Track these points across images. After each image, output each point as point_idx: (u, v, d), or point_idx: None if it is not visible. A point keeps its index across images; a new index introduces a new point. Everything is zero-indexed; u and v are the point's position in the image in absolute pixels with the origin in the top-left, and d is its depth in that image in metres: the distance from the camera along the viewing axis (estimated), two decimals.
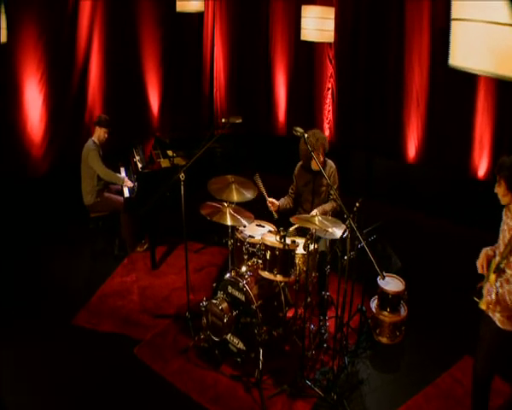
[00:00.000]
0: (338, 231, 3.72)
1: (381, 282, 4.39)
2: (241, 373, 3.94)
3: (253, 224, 4.38)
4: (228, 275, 4.00)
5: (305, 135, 3.68)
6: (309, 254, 3.68)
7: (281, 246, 3.72)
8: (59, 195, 6.14)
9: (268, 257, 3.79)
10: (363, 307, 4.43)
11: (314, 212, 4.19)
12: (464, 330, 4.40)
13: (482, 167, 6.50)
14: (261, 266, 3.86)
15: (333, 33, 5.61)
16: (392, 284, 4.46)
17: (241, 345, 4.00)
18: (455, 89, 6.30)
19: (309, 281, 3.94)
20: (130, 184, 5.29)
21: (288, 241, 3.75)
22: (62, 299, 4.88)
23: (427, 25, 6.43)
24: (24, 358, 4.11)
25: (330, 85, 7.68)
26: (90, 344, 4.29)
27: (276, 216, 4.48)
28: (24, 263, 5.45)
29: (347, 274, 3.65)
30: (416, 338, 4.44)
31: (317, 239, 4.00)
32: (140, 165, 5.28)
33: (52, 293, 4.97)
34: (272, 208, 4.44)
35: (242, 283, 3.86)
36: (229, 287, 3.96)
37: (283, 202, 4.59)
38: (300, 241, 3.95)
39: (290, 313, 4.29)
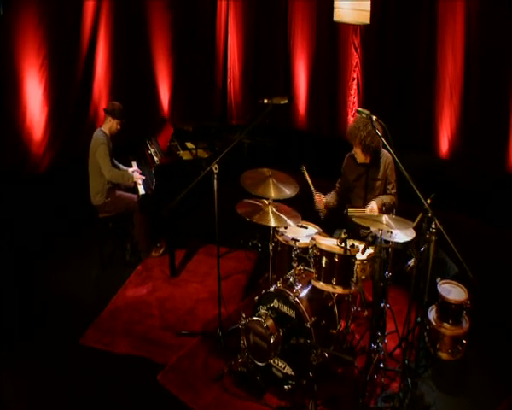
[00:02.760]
0: (401, 234, 3.11)
1: (442, 290, 3.87)
2: (290, 404, 3.30)
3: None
4: (274, 287, 3.31)
5: (374, 117, 3.03)
6: (380, 260, 2.99)
7: (341, 251, 3.05)
8: (62, 193, 5.52)
9: (324, 265, 3.14)
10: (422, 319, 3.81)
11: (371, 205, 3.63)
12: None
13: None
14: (315, 275, 3.19)
15: (369, 14, 5.01)
16: (453, 292, 3.92)
17: (288, 370, 3.34)
18: (491, 78, 5.87)
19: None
20: (140, 177, 4.63)
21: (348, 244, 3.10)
22: (67, 314, 4.19)
23: (462, 9, 5.92)
24: (24, 387, 3.44)
25: (355, 75, 7.09)
26: (103, 369, 3.61)
27: (323, 215, 3.83)
28: (23, 270, 4.76)
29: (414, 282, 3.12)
30: (478, 353, 3.88)
31: (374, 242, 3.36)
32: (156, 158, 4.60)
33: (55, 307, 4.28)
34: (320, 206, 3.79)
35: (293, 296, 3.18)
36: (276, 301, 3.29)
37: (329, 198, 3.97)
38: (357, 244, 3.31)
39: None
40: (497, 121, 5.95)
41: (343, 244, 3.03)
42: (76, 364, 3.65)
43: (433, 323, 3.84)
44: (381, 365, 3.62)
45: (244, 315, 3.37)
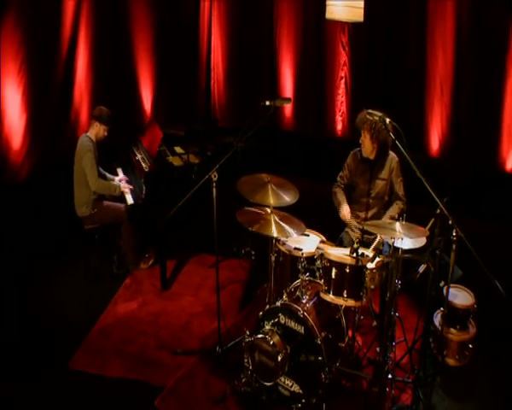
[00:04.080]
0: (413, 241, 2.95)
1: (449, 295, 3.67)
2: None
3: None
4: (280, 301, 3.10)
5: (387, 119, 2.85)
6: (396, 270, 2.82)
7: (353, 262, 2.87)
8: (43, 203, 5.19)
9: (334, 276, 2.94)
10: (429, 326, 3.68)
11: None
12: None
13: (511, 159, 6.02)
14: (324, 287, 3.00)
15: (362, 12, 4.85)
16: (460, 296, 3.81)
17: (296, 388, 3.13)
18: (482, 76, 5.84)
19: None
20: (128, 187, 4.36)
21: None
22: (53, 334, 3.87)
23: (452, 6, 5.87)
24: None
25: (343, 74, 6.99)
26: (95, 396, 3.32)
27: (360, 227, 3.64)
28: (1, 288, 4.41)
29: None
30: (483, 357, 3.77)
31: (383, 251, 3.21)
32: (144, 164, 4.34)
33: (39, 327, 3.96)
34: (350, 219, 3.66)
35: (301, 311, 2.98)
36: (282, 316, 3.07)
37: (341, 195, 3.81)
38: (366, 252, 3.13)
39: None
40: (488, 119, 5.92)
41: (355, 254, 2.84)
42: (65, 391, 3.35)
43: (440, 329, 3.66)
44: (390, 375, 3.46)
45: (248, 332, 3.15)
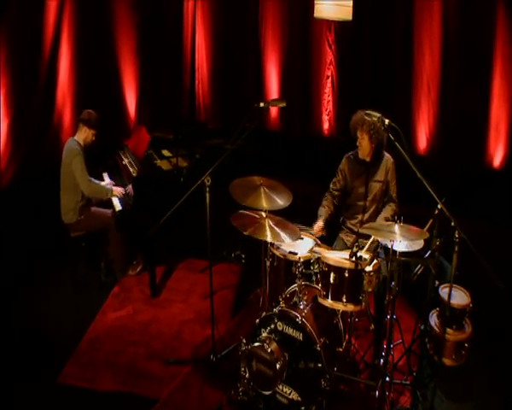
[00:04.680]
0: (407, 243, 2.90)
1: (444, 295, 3.64)
2: None
3: None
4: (277, 308, 3.01)
5: (386, 121, 2.79)
6: (398, 274, 2.76)
7: (352, 266, 2.80)
8: (26, 210, 5.02)
9: (332, 281, 2.87)
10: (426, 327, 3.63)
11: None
12: None
13: (498, 156, 6.05)
14: (322, 292, 2.93)
15: (351, 10, 4.80)
16: (456, 296, 3.73)
17: (294, 395, 3.06)
18: (469, 73, 5.81)
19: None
20: (120, 191, 4.23)
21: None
22: (40, 347, 3.72)
23: (439, 4, 5.83)
24: None
25: (330, 73, 6.92)
26: None
27: (324, 233, 3.59)
28: None
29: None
30: (479, 356, 3.78)
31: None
32: (132, 169, 4.21)
33: (25, 339, 3.80)
34: (321, 233, 3.59)
35: (300, 317, 2.90)
36: (280, 323, 2.99)
37: (325, 213, 3.70)
38: (365, 255, 3.07)
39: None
40: (476, 116, 5.89)
41: (354, 258, 2.77)
42: (55, 407, 3.22)
43: (436, 329, 3.65)
44: (387, 378, 3.41)
45: (245, 340, 3.06)
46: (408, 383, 3.43)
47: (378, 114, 2.84)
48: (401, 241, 2.80)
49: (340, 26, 6.51)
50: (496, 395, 3.43)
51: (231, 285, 4.59)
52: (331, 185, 3.80)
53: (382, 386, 3.06)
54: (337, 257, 2.91)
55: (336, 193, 3.76)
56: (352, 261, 2.80)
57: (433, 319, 3.76)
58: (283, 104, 3.00)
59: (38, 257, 4.84)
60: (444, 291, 3.78)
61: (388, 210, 3.59)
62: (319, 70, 6.90)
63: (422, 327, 3.70)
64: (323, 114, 7.08)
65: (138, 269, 4.66)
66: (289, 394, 3.08)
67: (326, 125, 7.09)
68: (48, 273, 4.64)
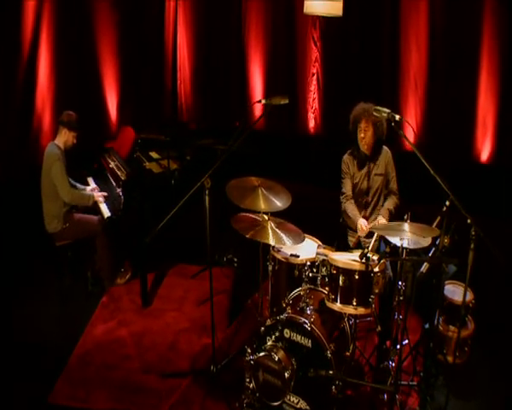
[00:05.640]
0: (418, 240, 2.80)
1: (446, 292, 3.63)
2: None
3: None
4: (284, 314, 2.86)
5: (397, 117, 2.69)
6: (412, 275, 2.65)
7: (362, 268, 2.68)
8: (7, 219, 4.77)
9: (342, 283, 2.73)
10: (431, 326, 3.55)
11: (379, 220, 3.39)
12: None
13: (486, 151, 6.06)
14: (331, 296, 2.80)
15: (341, 5, 4.70)
16: (458, 292, 3.70)
17: (302, 404, 2.92)
18: (456, 69, 5.81)
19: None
20: (101, 195, 4.02)
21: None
22: (28, 364, 3.48)
23: (426, 0, 5.80)
24: None
25: (315, 70, 6.84)
26: None
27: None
28: None
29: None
30: (482, 352, 3.72)
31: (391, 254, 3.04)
32: (119, 172, 4.00)
33: (12, 356, 3.55)
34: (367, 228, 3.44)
35: (308, 324, 2.76)
36: (287, 330, 2.84)
37: (354, 207, 3.58)
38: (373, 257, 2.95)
39: None
40: (463, 111, 5.89)
41: (364, 259, 2.65)
42: None
43: (440, 327, 3.60)
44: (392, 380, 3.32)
45: (250, 350, 2.90)
46: (415, 383, 3.34)
47: (387, 110, 2.74)
48: (411, 239, 2.69)
49: (325, 22, 6.44)
50: (498, 391, 3.38)
51: (226, 290, 4.43)
52: (344, 191, 3.67)
53: (395, 388, 2.93)
54: (346, 259, 2.78)
55: (351, 193, 3.64)
56: (363, 263, 2.68)
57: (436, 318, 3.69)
58: (286, 101, 2.84)
59: (21, 269, 4.57)
60: (446, 288, 3.72)
61: (391, 202, 3.55)
62: (304, 68, 6.81)
63: (427, 326, 3.65)
64: (309, 111, 6.99)
65: (127, 277, 4.45)
66: (297, 403, 2.94)
67: (312, 124, 7.00)
68: (31, 285, 4.38)
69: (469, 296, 3.68)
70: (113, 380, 3.35)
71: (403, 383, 3.30)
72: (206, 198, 2.90)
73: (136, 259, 4.11)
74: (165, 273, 4.66)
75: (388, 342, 3.54)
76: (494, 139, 5.87)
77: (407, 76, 6.18)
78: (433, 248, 3.25)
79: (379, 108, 2.79)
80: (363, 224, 3.41)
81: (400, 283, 3.12)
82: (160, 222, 3.16)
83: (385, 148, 3.57)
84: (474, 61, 5.66)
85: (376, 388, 3.25)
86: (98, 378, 3.36)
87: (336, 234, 3.76)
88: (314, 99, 6.92)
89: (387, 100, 6.40)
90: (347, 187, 3.60)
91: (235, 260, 4.81)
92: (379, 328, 3.23)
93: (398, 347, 3.44)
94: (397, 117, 2.69)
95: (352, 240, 3.55)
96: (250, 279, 4.55)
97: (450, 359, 3.60)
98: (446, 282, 3.79)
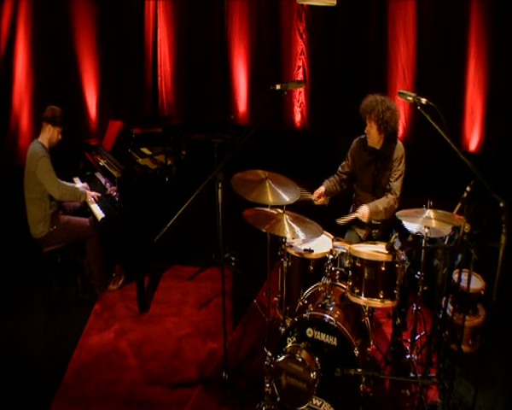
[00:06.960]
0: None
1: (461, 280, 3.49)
2: None
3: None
4: (308, 313, 2.66)
5: (423, 100, 2.55)
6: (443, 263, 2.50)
7: (389, 258, 2.51)
8: None
9: (367, 276, 2.56)
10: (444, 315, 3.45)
11: (362, 210, 3.21)
12: None
13: (474, 140, 6.04)
14: (356, 290, 2.62)
15: None
16: (472, 281, 3.57)
17: (326, 406, 2.73)
18: (444, 59, 5.75)
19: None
20: (95, 194, 3.76)
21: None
22: (18, 383, 3.15)
23: None
24: None
25: (301, 63, 6.66)
26: None
27: (327, 203, 3.40)
28: None
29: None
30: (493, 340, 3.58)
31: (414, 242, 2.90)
32: (111, 170, 3.72)
33: (3, 376, 3.22)
34: (322, 199, 3.38)
35: (334, 321, 2.57)
36: (310, 329, 2.64)
37: (328, 184, 3.49)
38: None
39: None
40: (451, 101, 5.81)
41: (391, 249, 2.49)
42: None
43: (453, 317, 3.42)
44: (411, 374, 3.18)
45: (270, 354, 2.69)
46: (434, 375, 3.20)
47: (413, 94, 2.59)
48: (432, 228, 2.55)
49: (311, 14, 6.29)
50: None
51: (226, 291, 4.18)
52: (339, 168, 3.56)
53: (424, 386, 2.79)
54: (370, 250, 2.61)
55: (344, 176, 3.52)
56: (390, 253, 2.51)
57: (448, 306, 3.59)
58: (302, 86, 2.66)
59: (5, 278, 4.24)
60: (457, 277, 3.62)
61: (384, 201, 3.27)
62: (290, 60, 6.64)
63: (440, 316, 3.54)
64: (295, 105, 6.82)
65: (120, 283, 4.17)
66: (320, 405, 2.75)
67: (298, 117, 6.84)
68: (18, 295, 4.05)
69: (481, 284, 3.62)
70: (115, 395, 3.07)
71: (431, 375, 3.17)
72: (219, 191, 2.67)
73: (132, 262, 3.83)
74: (160, 276, 4.40)
75: (405, 335, 3.42)
76: (482, 128, 5.84)
77: (395, 67, 6.08)
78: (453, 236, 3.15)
79: (403, 91, 2.65)
80: (317, 190, 3.40)
81: (419, 273, 3.01)
82: (160, 222, 2.94)
83: (399, 144, 3.36)
84: (462, 51, 5.60)
85: (397, 382, 3.12)
86: (99, 395, 3.07)
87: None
88: (300, 92, 6.75)
89: (375, 91, 6.30)
90: (344, 167, 3.52)
91: (233, 259, 4.59)
92: (398, 321, 3.09)
93: (417, 338, 3.36)
94: (423, 100, 2.54)
95: (362, 232, 3.39)
96: (251, 278, 4.40)
97: (464, 348, 3.53)
98: (456, 270, 3.71)
